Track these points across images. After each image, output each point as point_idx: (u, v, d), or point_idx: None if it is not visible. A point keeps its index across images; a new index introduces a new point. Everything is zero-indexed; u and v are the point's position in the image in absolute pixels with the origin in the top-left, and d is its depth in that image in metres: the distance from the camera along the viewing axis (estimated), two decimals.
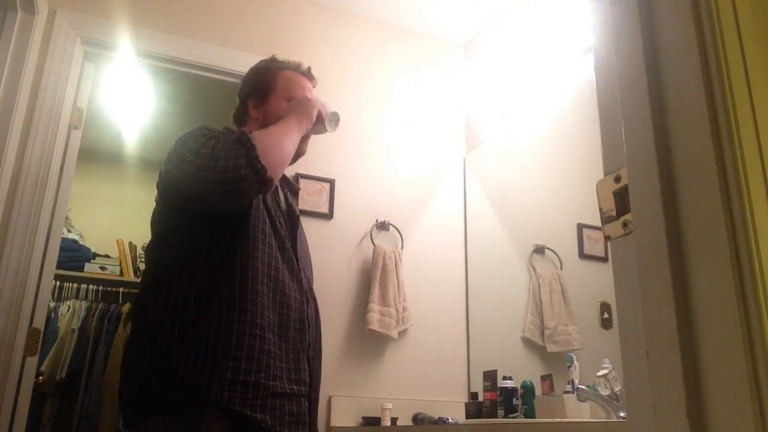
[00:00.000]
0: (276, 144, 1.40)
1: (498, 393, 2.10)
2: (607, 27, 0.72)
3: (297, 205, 1.74)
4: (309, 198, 2.58)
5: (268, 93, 1.67)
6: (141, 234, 3.73)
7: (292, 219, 1.61)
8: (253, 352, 1.30)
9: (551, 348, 2.19)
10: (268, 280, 1.40)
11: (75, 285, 3.67)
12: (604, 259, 2.05)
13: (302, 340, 1.45)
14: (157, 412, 1.27)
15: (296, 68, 1.73)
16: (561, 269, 2.26)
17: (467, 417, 2.25)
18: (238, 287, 1.34)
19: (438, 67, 3.05)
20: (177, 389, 1.26)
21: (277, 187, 1.60)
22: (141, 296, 1.42)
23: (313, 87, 1.75)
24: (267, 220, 1.46)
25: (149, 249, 1.49)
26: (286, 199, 1.66)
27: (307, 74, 1.75)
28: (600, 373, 1.75)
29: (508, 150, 2.67)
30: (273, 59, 1.76)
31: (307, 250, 1.69)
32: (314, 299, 1.59)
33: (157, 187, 1.47)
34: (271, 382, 1.31)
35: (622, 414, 1.60)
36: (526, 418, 2.01)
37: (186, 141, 1.38)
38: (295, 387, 1.38)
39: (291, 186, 1.75)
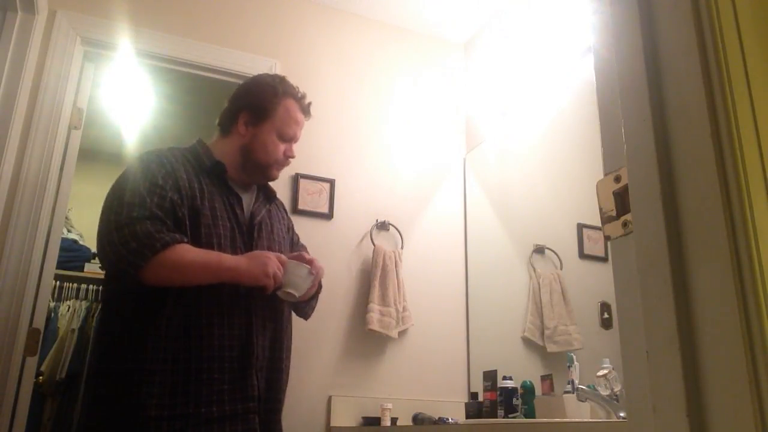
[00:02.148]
0: (180, 275, 1.43)
1: (498, 393, 2.10)
2: (607, 27, 0.72)
3: (270, 208, 1.72)
4: (309, 198, 2.58)
5: (264, 118, 1.65)
6: None
7: (251, 229, 1.60)
8: (176, 386, 1.38)
9: (551, 348, 2.19)
10: (182, 319, 1.44)
11: (75, 285, 3.67)
12: (604, 259, 2.05)
13: (245, 356, 1.48)
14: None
15: (299, 99, 1.72)
16: (561, 269, 2.26)
17: (467, 417, 2.25)
18: (148, 332, 1.41)
19: (438, 67, 3.05)
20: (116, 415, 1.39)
21: (238, 197, 1.61)
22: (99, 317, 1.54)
23: (306, 120, 1.75)
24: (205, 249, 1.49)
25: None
26: (255, 205, 1.66)
27: (305, 110, 1.74)
28: (600, 373, 1.75)
29: (508, 150, 2.67)
30: (282, 81, 1.73)
31: (280, 248, 1.68)
32: (273, 307, 1.57)
33: None
34: (203, 410, 1.38)
35: (622, 414, 1.60)
36: (526, 418, 2.01)
37: (115, 207, 1.47)
38: (239, 406, 1.44)
39: (267, 192, 1.74)
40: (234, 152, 1.64)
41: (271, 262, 1.45)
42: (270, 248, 1.61)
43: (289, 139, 1.69)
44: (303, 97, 1.73)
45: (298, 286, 1.52)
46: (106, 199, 1.51)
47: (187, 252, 1.42)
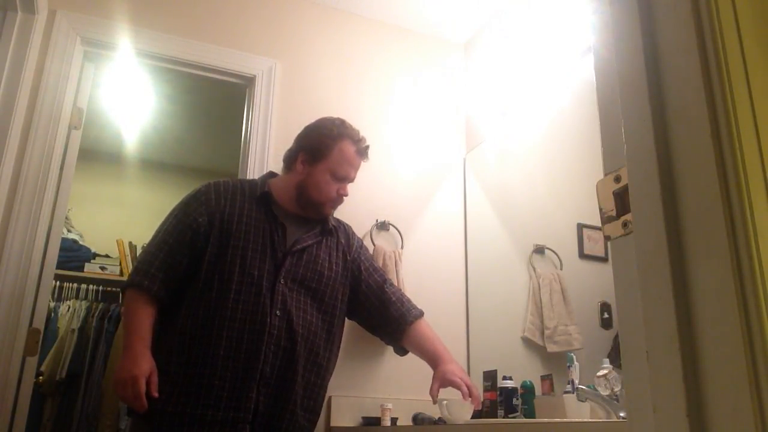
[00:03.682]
0: (124, 321, 1.68)
1: (498, 393, 2.10)
2: (607, 27, 0.72)
3: (323, 239, 1.82)
4: None
5: (319, 159, 1.78)
6: (141, 234, 3.72)
7: (285, 254, 1.71)
8: (183, 387, 1.55)
9: (551, 348, 2.19)
10: (197, 328, 1.61)
11: (75, 285, 3.67)
12: (604, 259, 2.05)
13: (249, 370, 1.58)
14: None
15: (356, 141, 1.83)
16: (561, 269, 2.26)
17: None
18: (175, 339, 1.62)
19: (438, 67, 3.05)
20: None
21: (282, 225, 1.74)
22: None
23: (363, 162, 1.88)
24: (229, 267, 1.65)
25: None
26: (304, 234, 1.77)
27: (362, 152, 1.86)
28: (600, 373, 1.75)
29: (508, 150, 2.67)
30: (341, 124, 1.85)
31: (321, 277, 1.77)
32: (293, 330, 1.66)
33: None
34: (198, 411, 1.53)
35: (622, 414, 1.60)
36: (526, 418, 2.01)
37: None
38: (231, 414, 1.55)
39: (325, 225, 1.84)
40: (290, 187, 1.80)
41: (134, 383, 1.51)
42: (305, 275, 1.73)
43: (342, 178, 1.80)
44: (361, 140, 1.85)
45: (464, 417, 1.74)
46: None
47: (133, 303, 1.62)
